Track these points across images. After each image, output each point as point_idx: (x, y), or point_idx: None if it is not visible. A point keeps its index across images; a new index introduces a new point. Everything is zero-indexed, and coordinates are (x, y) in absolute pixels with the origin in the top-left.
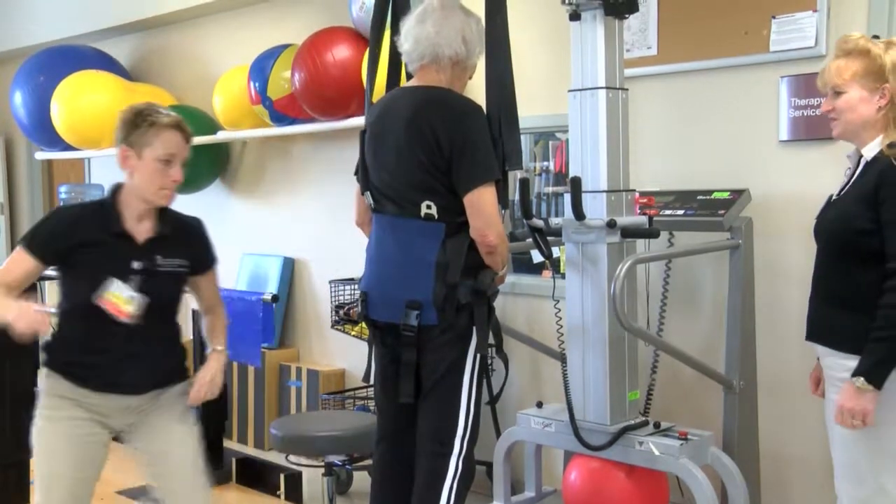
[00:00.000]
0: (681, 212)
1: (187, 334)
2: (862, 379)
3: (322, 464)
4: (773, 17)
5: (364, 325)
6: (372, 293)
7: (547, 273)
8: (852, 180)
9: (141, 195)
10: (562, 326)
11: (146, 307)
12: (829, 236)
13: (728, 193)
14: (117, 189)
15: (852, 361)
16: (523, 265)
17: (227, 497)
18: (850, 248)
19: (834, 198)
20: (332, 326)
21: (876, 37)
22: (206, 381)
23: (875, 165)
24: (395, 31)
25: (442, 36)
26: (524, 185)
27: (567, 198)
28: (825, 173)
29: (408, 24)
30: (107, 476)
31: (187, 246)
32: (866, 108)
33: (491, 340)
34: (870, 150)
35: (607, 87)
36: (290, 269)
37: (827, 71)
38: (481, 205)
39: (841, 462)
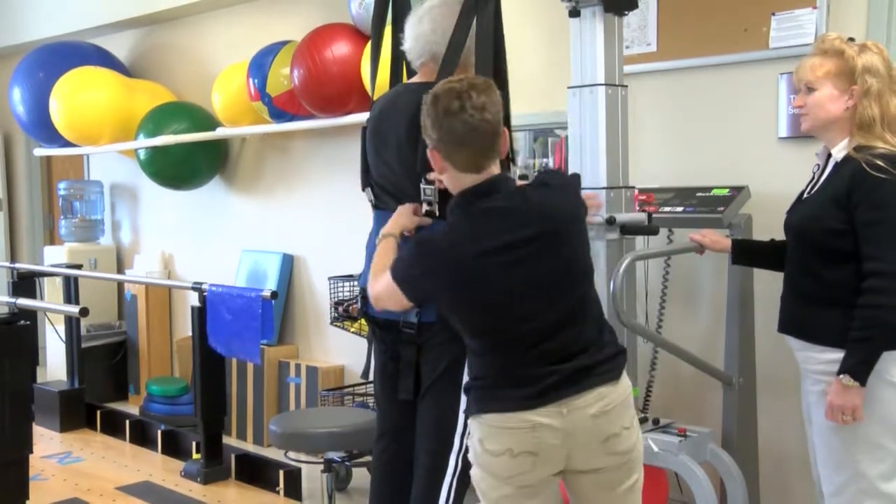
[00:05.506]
0: (680, 208)
1: (185, 332)
2: (848, 376)
3: (321, 460)
4: (773, 14)
5: (363, 321)
6: None
7: None
8: (822, 179)
9: None
10: None
11: None
12: (798, 234)
13: (727, 190)
14: None
15: (826, 354)
16: None
17: (226, 493)
18: (819, 246)
19: (805, 196)
20: (332, 323)
21: (851, 39)
22: None
23: (846, 167)
24: (396, 27)
25: (437, 34)
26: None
27: None
28: None
29: (410, 22)
30: (106, 473)
31: None
32: (835, 107)
33: None
34: (839, 151)
35: (606, 84)
36: (289, 265)
37: (802, 67)
38: None
39: (821, 451)
